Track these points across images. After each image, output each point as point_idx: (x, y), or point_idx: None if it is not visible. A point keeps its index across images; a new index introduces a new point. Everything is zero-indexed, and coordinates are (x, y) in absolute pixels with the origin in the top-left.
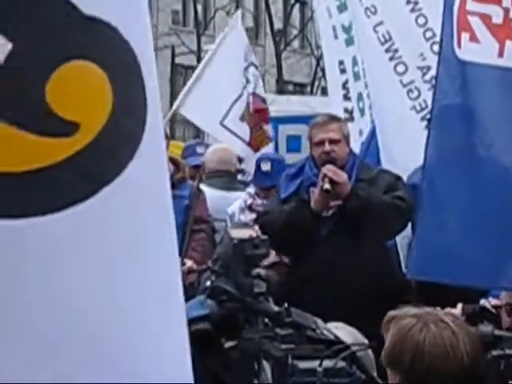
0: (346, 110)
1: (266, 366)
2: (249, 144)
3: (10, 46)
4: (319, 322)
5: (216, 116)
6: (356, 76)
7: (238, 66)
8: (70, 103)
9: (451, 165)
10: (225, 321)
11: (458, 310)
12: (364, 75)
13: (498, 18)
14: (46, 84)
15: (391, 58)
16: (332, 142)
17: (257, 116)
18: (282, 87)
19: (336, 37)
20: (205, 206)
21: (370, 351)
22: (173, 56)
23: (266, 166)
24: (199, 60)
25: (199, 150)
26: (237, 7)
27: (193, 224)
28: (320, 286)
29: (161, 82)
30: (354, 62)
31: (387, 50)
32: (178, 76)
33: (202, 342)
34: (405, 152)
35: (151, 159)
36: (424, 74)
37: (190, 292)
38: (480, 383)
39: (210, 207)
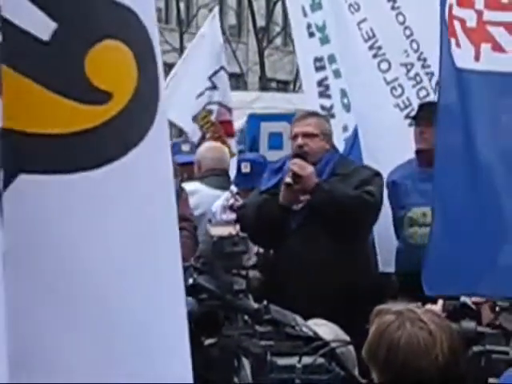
0: (322, 108)
1: (246, 362)
2: (197, 146)
3: (54, 25)
4: (298, 318)
5: (189, 111)
6: (336, 73)
7: (207, 66)
8: (104, 76)
9: (456, 166)
10: (205, 318)
11: (438, 306)
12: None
13: (471, 21)
14: (85, 59)
15: (375, 56)
16: (306, 135)
17: (221, 127)
18: (264, 84)
19: (312, 34)
20: (187, 205)
21: (351, 348)
22: None
23: (245, 168)
24: None
25: (184, 148)
26: (220, 5)
27: None
28: (291, 279)
29: None
30: (332, 60)
31: (371, 47)
32: None
33: None
34: (388, 149)
35: (163, 126)
36: (408, 71)
37: None
38: (459, 381)
39: (205, 206)
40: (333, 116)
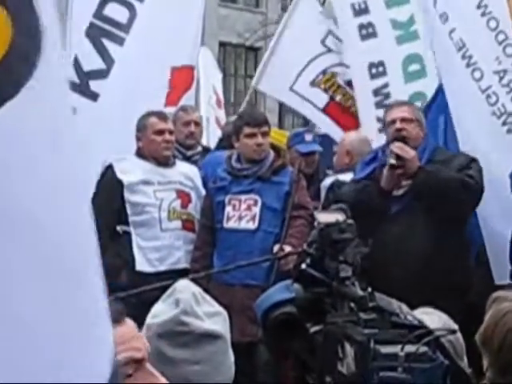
0: (379, 120)
1: (349, 350)
2: (323, 111)
3: None
4: (404, 306)
5: (286, 82)
6: (413, 75)
7: (312, 33)
8: None
9: None
10: (310, 305)
11: None
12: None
13: None
14: None
15: (468, 65)
16: (403, 120)
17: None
18: None
19: (364, 37)
20: (304, 193)
21: (460, 337)
22: None
23: None
24: None
25: (308, 137)
26: None
27: (292, 210)
28: (388, 266)
29: None
30: (411, 61)
31: (463, 57)
32: None
33: (287, 326)
34: (489, 157)
35: (51, 75)
36: (501, 78)
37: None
38: None
39: None
40: None
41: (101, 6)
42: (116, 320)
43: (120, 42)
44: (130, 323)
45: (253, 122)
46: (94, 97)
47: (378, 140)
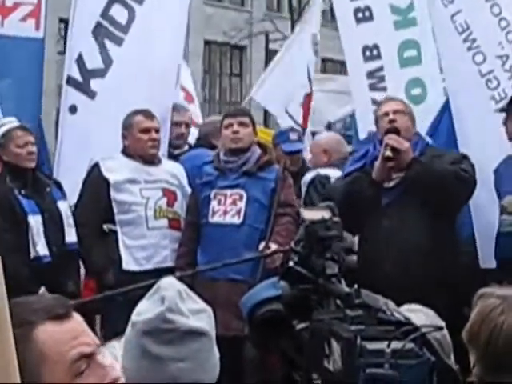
0: (374, 102)
1: (336, 347)
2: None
3: None
4: (390, 303)
5: (281, 102)
6: (408, 61)
7: (307, 55)
8: None
9: None
10: (297, 302)
11: None
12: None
13: None
14: None
15: (469, 48)
16: (396, 112)
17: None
18: None
19: (360, 20)
20: (290, 191)
21: (446, 334)
22: (267, 42)
23: None
24: None
25: (292, 136)
26: None
27: (278, 208)
28: (377, 259)
29: (255, 68)
30: (406, 47)
31: (465, 40)
32: None
33: (274, 323)
34: (486, 141)
35: None
36: (503, 63)
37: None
38: None
39: None
40: None
41: (107, 6)
42: (65, 315)
43: (119, 42)
44: (77, 318)
45: (230, 114)
46: (92, 95)
47: (373, 121)
